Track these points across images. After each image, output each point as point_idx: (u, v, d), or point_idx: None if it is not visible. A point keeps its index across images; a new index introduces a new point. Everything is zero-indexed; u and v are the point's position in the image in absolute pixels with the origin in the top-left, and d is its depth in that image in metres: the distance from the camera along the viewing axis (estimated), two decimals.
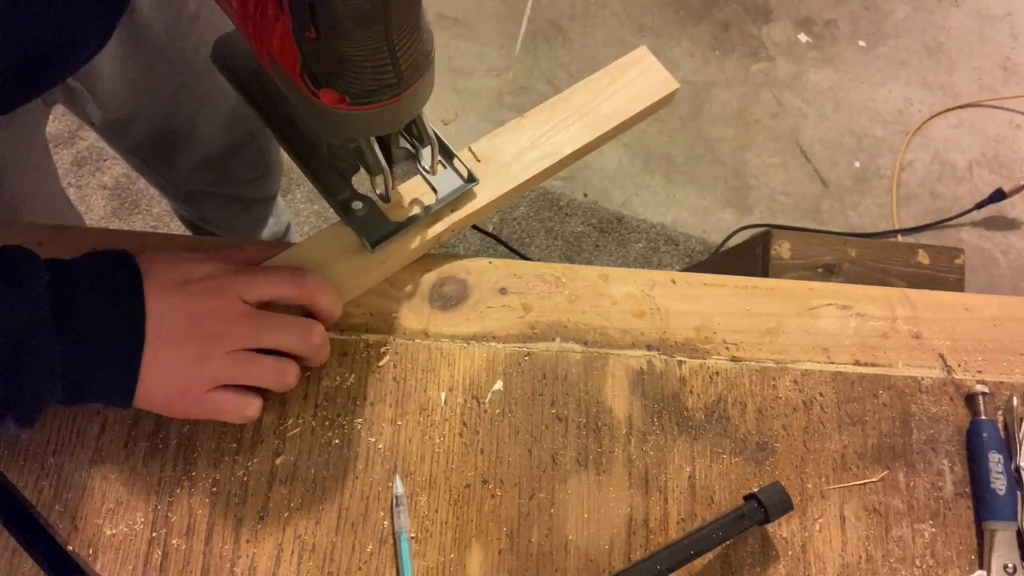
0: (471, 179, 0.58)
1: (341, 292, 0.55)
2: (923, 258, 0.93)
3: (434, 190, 0.57)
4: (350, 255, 0.56)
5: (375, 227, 0.56)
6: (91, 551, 0.49)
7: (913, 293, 0.61)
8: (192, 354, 0.47)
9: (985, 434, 0.55)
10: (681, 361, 0.57)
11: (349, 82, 0.42)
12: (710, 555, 0.51)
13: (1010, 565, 0.52)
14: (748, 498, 0.51)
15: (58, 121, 1.60)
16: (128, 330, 0.46)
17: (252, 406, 0.50)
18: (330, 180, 0.56)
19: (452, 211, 0.58)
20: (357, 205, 0.56)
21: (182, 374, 0.48)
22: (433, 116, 1.60)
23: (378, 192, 0.55)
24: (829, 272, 0.92)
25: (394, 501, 0.51)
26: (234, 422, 0.51)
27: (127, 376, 0.46)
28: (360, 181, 0.56)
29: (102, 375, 0.46)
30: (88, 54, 0.59)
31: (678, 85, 0.62)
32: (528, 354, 0.56)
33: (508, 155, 0.59)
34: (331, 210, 0.61)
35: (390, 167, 0.53)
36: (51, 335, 0.43)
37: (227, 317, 0.49)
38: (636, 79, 0.62)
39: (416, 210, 0.57)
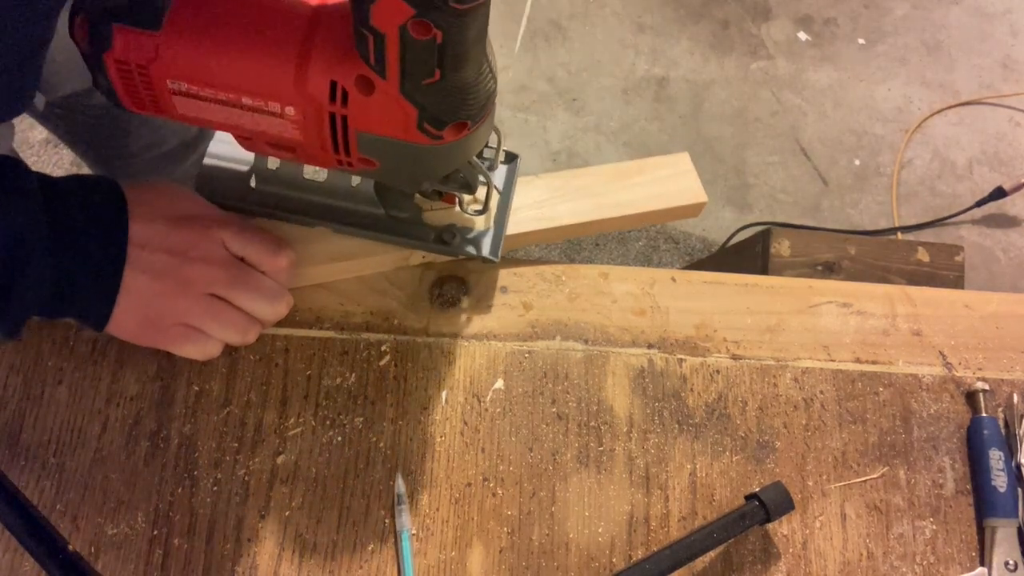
0: (511, 158, 0.58)
1: (313, 274, 0.56)
2: (923, 255, 0.93)
3: (492, 183, 0.56)
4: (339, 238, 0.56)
5: (480, 242, 0.56)
6: (92, 550, 0.49)
7: (913, 290, 0.61)
8: (167, 288, 0.48)
9: (986, 431, 0.55)
10: (682, 359, 0.57)
11: (470, 106, 0.42)
12: (711, 552, 0.51)
13: (1011, 562, 0.52)
14: (749, 497, 0.51)
15: None
16: (112, 249, 0.47)
17: (216, 345, 0.51)
18: (411, 232, 0.55)
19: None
20: (450, 236, 0.55)
21: (154, 305, 0.48)
22: None
23: (473, 209, 0.55)
24: (829, 270, 0.92)
25: (395, 500, 0.51)
26: (194, 358, 0.52)
27: (107, 295, 0.47)
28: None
29: (84, 291, 0.46)
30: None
31: (706, 199, 0.60)
32: (529, 352, 0.56)
33: None
34: None
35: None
36: (46, 244, 0.43)
37: (208, 260, 0.49)
38: (665, 179, 0.60)
39: (492, 208, 0.57)
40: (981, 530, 0.54)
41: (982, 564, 0.53)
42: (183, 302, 0.49)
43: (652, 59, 1.80)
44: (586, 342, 0.57)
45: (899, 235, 1.65)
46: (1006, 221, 1.68)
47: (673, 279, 0.60)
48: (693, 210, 0.60)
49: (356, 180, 0.54)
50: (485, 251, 0.56)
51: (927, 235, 1.66)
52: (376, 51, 0.39)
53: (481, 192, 0.55)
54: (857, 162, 1.72)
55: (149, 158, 0.89)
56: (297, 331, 0.55)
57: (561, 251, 1.58)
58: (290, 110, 0.43)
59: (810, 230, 1.60)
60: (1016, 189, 1.59)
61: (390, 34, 0.37)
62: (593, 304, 0.58)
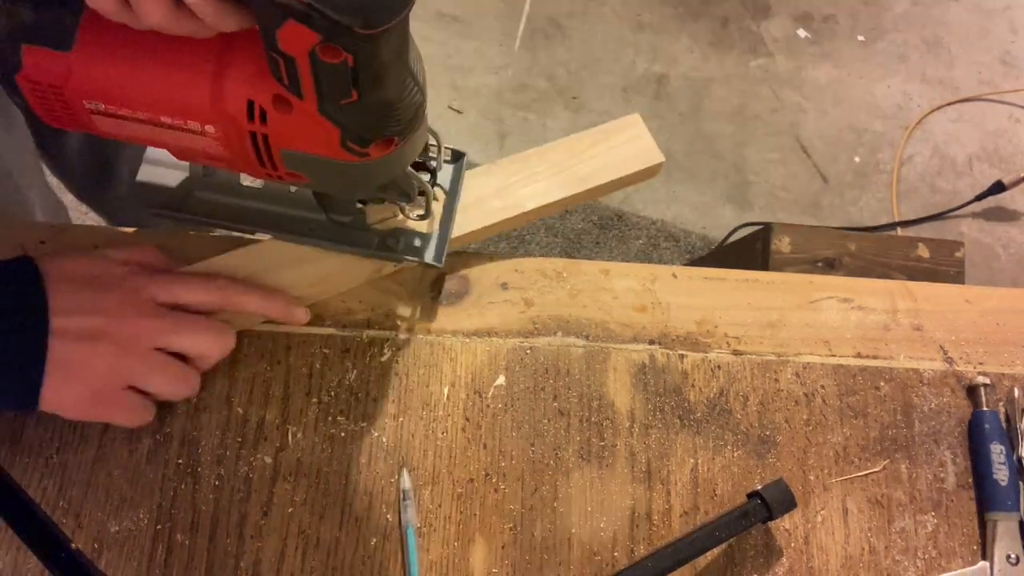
0: (457, 156, 0.57)
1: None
2: (923, 251, 0.93)
3: (429, 191, 0.56)
4: (287, 267, 0.55)
5: (426, 247, 0.55)
6: (95, 547, 0.49)
7: (914, 285, 0.61)
8: (108, 351, 0.47)
9: (987, 425, 0.55)
10: (683, 355, 0.57)
11: (395, 122, 0.41)
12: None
13: (1013, 556, 0.52)
14: (752, 495, 0.51)
15: None
16: (29, 327, 0.45)
17: (151, 411, 0.50)
18: (354, 238, 0.54)
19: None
20: (394, 242, 0.54)
21: (98, 372, 0.47)
22: (439, 105, 1.60)
23: (416, 215, 0.54)
24: (829, 266, 0.92)
25: (401, 495, 0.51)
26: (128, 426, 0.51)
27: (30, 375, 0.45)
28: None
29: (5, 378, 0.45)
30: None
31: (663, 158, 0.59)
32: (530, 348, 0.56)
33: (469, 200, 0.57)
34: None
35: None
36: None
37: (142, 315, 0.48)
38: (620, 145, 0.60)
39: (437, 212, 0.56)
40: (983, 524, 0.54)
41: (984, 558, 0.53)
42: (128, 364, 0.48)
43: (652, 57, 1.80)
44: (587, 338, 0.57)
45: (898, 231, 1.65)
46: (1006, 216, 1.68)
47: (674, 275, 0.60)
48: (652, 172, 0.60)
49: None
50: (428, 257, 0.55)
51: (927, 231, 1.66)
52: (289, 73, 0.38)
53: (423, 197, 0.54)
54: (857, 159, 1.72)
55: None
56: (299, 328, 0.55)
57: (561, 249, 1.58)
58: (210, 128, 0.42)
59: (810, 227, 1.60)
60: (1015, 183, 1.58)
61: (300, 58, 0.36)
62: (594, 300, 0.58)
